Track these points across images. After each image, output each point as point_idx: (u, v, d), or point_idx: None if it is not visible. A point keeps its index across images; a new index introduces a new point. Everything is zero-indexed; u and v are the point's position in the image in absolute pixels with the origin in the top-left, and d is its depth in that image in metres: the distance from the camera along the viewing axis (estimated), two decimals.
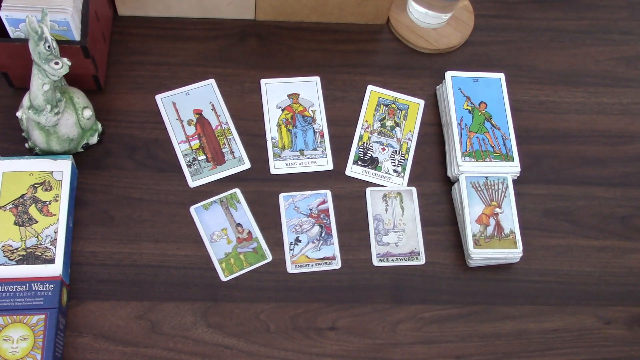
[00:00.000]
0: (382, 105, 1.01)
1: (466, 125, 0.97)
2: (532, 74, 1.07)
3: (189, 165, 0.95)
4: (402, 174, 0.97)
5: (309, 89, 1.01)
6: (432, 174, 0.98)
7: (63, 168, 0.89)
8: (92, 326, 0.85)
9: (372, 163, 0.97)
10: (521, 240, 0.91)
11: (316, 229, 0.93)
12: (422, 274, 0.92)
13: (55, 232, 0.86)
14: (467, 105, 0.98)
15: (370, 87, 1.02)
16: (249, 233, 0.92)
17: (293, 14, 1.05)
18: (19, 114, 0.88)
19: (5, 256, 0.84)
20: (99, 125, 0.94)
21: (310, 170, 0.96)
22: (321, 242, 0.92)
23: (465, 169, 0.94)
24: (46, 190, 0.88)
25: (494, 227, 0.91)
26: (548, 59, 1.08)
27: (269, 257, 0.91)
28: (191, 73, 1.01)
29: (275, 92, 1.01)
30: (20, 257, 0.84)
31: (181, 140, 0.96)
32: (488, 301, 0.91)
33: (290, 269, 0.90)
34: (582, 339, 0.90)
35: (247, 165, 0.96)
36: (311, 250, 0.92)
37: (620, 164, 1.01)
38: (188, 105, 0.98)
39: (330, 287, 0.90)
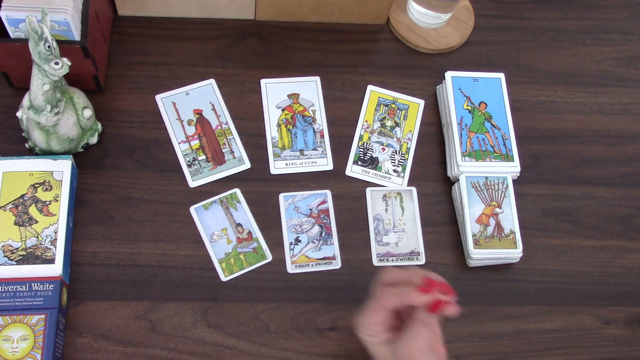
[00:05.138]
0: (382, 105, 1.01)
1: (466, 125, 0.97)
2: (532, 74, 1.07)
3: (189, 165, 0.95)
4: (402, 174, 0.97)
5: (309, 89, 1.02)
6: (432, 174, 0.98)
7: (63, 168, 0.89)
8: (92, 326, 0.85)
9: (372, 163, 0.97)
10: (521, 240, 0.91)
11: (316, 229, 0.93)
12: None
13: (55, 232, 0.86)
14: (467, 105, 0.98)
15: (370, 87, 1.02)
16: (249, 233, 0.92)
17: (293, 14, 1.05)
18: (19, 114, 0.88)
19: (5, 256, 0.84)
20: (99, 125, 0.94)
21: (310, 170, 0.96)
22: (321, 242, 0.92)
23: (465, 169, 0.94)
24: (46, 190, 0.88)
25: (494, 227, 0.91)
26: (548, 59, 1.08)
27: (269, 257, 0.91)
28: (191, 73, 1.01)
29: (275, 92, 1.01)
30: (20, 257, 0.84)
31: (181, 140, 0.96)
32: (488, 301, 0.91)
33: (290, 269, 0.90)
34: (582, 339, 0.90)
35: (247, 165, 0.96)
36: (311, 250, 0.92)
37: (620, 164, 1.01)
38: (188, 105, 0.99)
39: (330, 287, 0.90)
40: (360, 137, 0.99)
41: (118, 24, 1.03)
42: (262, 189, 0.95)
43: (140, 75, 1.00)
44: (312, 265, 0.91)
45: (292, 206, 0.94)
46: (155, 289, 0.88)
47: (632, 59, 1.09)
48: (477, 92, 0.99)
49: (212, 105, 0.99)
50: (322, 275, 0.91)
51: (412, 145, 0.99)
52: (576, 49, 1.09)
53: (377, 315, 0.72)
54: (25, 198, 0.87)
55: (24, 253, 0.84)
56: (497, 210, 0.92)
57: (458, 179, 0.94)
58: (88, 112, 0.90)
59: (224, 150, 0.96)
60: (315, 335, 0.87)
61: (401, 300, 0.70)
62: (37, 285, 0.82)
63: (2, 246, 0.85)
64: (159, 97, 0.99)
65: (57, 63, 0.81)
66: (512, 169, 0.95)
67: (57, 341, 0.81)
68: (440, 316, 0.70)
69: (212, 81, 1.00)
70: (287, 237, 0.92)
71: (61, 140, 0.89)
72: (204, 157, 0.95)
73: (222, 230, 0.91)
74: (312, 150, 0.97)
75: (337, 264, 0.91)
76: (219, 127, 0.98)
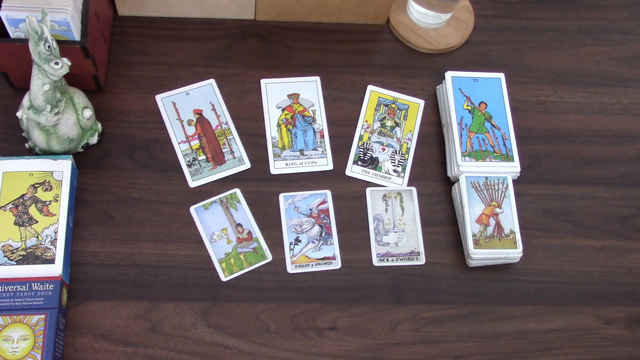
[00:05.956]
0: (382, 105, 1.01)
1: (466, 125, 0.97)
2: (532, 74, 1.07)
3: (189, 165, 0.95)
4: (402, 174, 0.97)
5: (309, 89, 1.02)
6: (432, 174, 0.98)
7: (63, 168, 0.89)
8: (92, 326, 0.85)
9: (372, 163, 0.97)
10: (521, 240, 0.91)
11: (316, 229, 0.93)
12: (422, 274, 0.92)
13: (55, 232, 0.86)
14: (467, 105, 0.98)
15: (370, 87, 1.02)
16: (249, 233, 0.92)
17: (293, 14, 1.05)
18: (19, 114, 0.88)
19: (5, 256, 0.84)
20: (99, 125, 0.94)
21: (310, 170, 0.96)
22: (321, 242, 0.92)
23: (465, 169, 0.94)
24: (46, 190, 0.88)
25: (494, 227, 0.91)
26: (548, 59, 1.08)
27: (269, 257, 0.91)
28: (191, 73, 1.01)
29: (275, 92, 1.01)
30: (20, 257, 0.84)
31: (181, 140, 0.96)
32: (488, 301, 0.91)
33: (290, 269, 0.90)
34: (582, 339, 0.90)
35: (247, 165, 0.96)
36: (311, 250, 0.92)
37: (620, 164, 1.01)
38: (188, 105, 0.99)
39: (330, 287, 0.90)
40: (360, 137, 0.99)
41: (118, 24, 1.03)
42: (262, 189, 0.95)
43: (140, 75, 1.00)
44: (312, 265, 0.91)
45: (292, 206, 0.94)
46: (155, 289, 0.88)
47: (632, 59, 1.09)
48: (477, 92, 0.99)
49: (212, 105, 0.99)
50: (322, 275, 0.91)
51: (412, 145, 0.99)
52: (576, 49, 1.09)
53: None
54: (25, 198, 0.87)
55: (24, 253, 0.84)
56: (497, 210, 0.92)
57: (458, 179, 0.94)
58: (88, 112, 0.90)
59: (224, 150, 0.96)
60: (315, 335, 0.87)
61: None
62: (37, 285, 0.82)
63: (2, 246, 0.85)
64: (159, 97, 0.99)
65: (57, 63, 0.81)
66: (512, 169, 0.95)
67: (57, 341, 0.81)
68: None
69: (212, 81, 1.00)
70: (287, 237, 0.92)
71: (61, 140, 0.89)
72: (204, 157, 0.95)
73: (222, 230, 0.91)
74: (312, 150, 0.97)
75: (337, 264, 0.91)
76: (219, 127, 0.98)
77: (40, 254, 0.84)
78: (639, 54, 1.10)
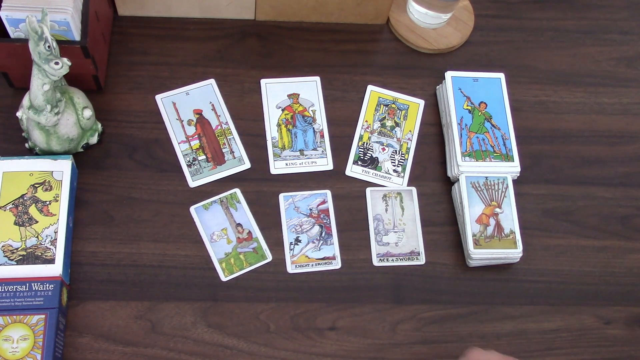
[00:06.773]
0: (382, 105, 1.01)
1: (466, 125, 0.97)
2: (532, 74, 1.07)
3: (189, 165, 0.95)
4: (402, 174, 0.97)
5: (309, 89, 1.02)
6: (432, 174, 0.98)
7: (63, 168, 0.89)
8: (92, 326, 0.85)
9: (372, 163, 0.97)
10: (521, 240, 0.91)
11: (316, 229, 0.93)
12: (422, 274, 0.92)
13: (55, 232, 0.86)
14: (467, 105, 0.98)
15: (370, 87, 1.02)
16: (249, 233, 0.92)
17: (293, 14, 1.05)
18: (19, 114, 0.88)
19: (5, 256, 0.84)
20: (99, 125, 0.94)
21: (310, 170, 0.96)
22: (321, 242, 0.92)
23: (465, 169, 0.94)
24: (46, 190, 0.88)
25: (494, 227, 0.91)
26: (548, 59, 1.08)
27: (269, 257, 0.91)
28: (191, 73, 1.01)
29: (275, 92, 1.01)
30: (20, 257, 0.84)
31: (181, 140, 0.96)
32: (488, 301, 0.91)
33: (290, 269, 0.90)
34: (582, 339, 0.90)
35: (247, 165, 0.96)
36: (311, 250, 0.92)
37: (620, 164, 1.01)
38: (188, 105, 0.99)
39: (330, 287, 0.90)
40: (360, 137, 0.99)
41: (118, 24, 1.03)
42: (262, 189, 0.95)
43: (140, 75, 1.00)
44: (312, 265, 0.91)
45: (292, 206, 0.94)
46: (155, 289, 0.88)
47: (632, 59, 1.09)
48: (477, 92, 0.99)
49: (212, 105, 0.99)
50: (322, 275, 0.91)
51: (412, 145, 0.99)
52: (576, 49, 1.09)
53: None
54: (25, 198, 0.87)
55: (24, 253, 0.84)
56: (497, 210, 0.92)
57: (458, 179, 0.94)
58: (88, 112, 0.90)
59: (224, 150, 0.96)
60: (315, 335, 0.87)
61: None
62: (37, 285, 0.82)
63: (2, 246, 0.85)
64: (159, 97, 0.99)
65: (57, 63, 0.81)
66: (512, 169, 0.95)
67: (57, 341, 0.81)
68: None
69: (212, 81, 1.00)
70: (287, 237, 0.92)
71: (61, 140, 0.89)
72: (204, 157, 0.95)
73: (222, 230, 0.91)
74: (312, 150, 0.97)
75: (337, 264, 0.91)
76: (219, 127, 0.98)
77: (40, 254, 0.84)
78: (639, 54, 1.10)
